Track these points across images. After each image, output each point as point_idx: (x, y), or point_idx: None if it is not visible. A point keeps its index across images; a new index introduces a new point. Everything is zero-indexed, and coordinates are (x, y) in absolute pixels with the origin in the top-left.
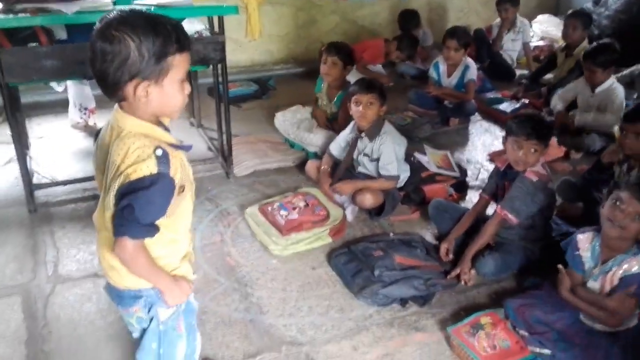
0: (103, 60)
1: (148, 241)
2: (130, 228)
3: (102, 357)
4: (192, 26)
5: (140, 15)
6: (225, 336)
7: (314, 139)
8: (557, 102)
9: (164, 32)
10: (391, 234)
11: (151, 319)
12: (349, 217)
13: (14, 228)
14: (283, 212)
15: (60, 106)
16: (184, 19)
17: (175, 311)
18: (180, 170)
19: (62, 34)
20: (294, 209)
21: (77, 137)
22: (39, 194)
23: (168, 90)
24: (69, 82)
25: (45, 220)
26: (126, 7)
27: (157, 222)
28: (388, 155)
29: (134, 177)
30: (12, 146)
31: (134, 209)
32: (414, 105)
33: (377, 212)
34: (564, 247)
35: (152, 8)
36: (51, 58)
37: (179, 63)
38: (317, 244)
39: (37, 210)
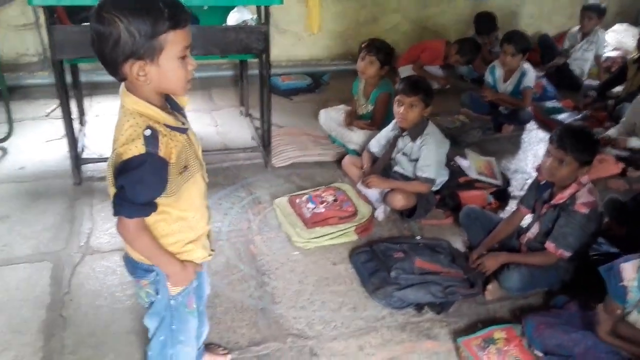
0: (99, 42)
1: (154, 219)
2: (125, 208)
3: (114, 327)
4: (241, 15)
5: None
6: (234, 321)
7: (354, 137)
8: (618, 130)
9: (154, 10)
10: (418, 237)
11: (158, 293)
12: (379, 216)
13: (57, 198)
14: (310, 205)
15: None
16: (229, 8)
17: (187, 288)
18: (180, 150)
19: None
20: (322, 203)
21: None
22: (87, 169)
23: (166, 67)
24: None
25: (87, 193)
26: None
27: (160, 201)
28: (428, 157)
29: (125, 157)
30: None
31: (126, 189)
32: (467, 109)
33: (408, 213)
34: (603, 274)
35: None
36: None
37: (174, 40)
38: (342, 240)
39: (81, 183)
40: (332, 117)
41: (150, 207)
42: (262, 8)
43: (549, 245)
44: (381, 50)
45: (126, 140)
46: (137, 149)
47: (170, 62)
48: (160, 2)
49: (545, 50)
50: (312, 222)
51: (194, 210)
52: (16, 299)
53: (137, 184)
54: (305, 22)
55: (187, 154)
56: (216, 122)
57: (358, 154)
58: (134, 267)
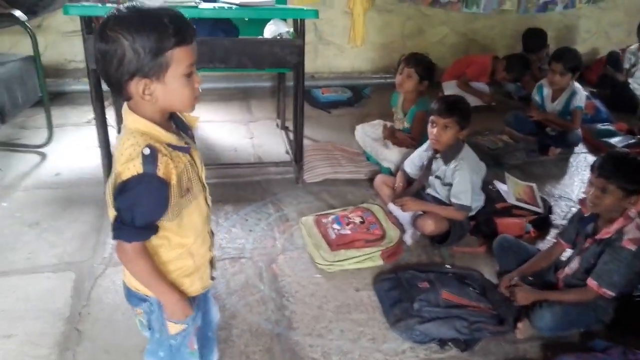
0: (103, 61)
1: (155, 244)
2: (123, 231)
3: (128, 343)
4: (278, 28)
5: (136, 12)
6: (248, 346)
7: (389, 155)
8: None
9: (159, 26)
10: (447, 266)
11: (150, 327)
12: (408, 240)
13: (88, 207)
14: (336, 226)
15: None
16: (268, 19)
17: (186, 329)
18: (182, 171)
19: None
20: (348, 224)
21: None
22: None
23: (172, 85)
24: None
25: None
26: (128, 4)
27: (160, 225)
28: (462, 183)
29: (123, 177)
30: (110, 129)
31: (123, 211)
32: (512, 129)
33: (440, 239)
34: None
35: (234, 7)
36: None
37: (180, 57)
38: (367, 264)
39: None
40: (368, 132)
41: (149, 230)
42: (299, 21)
43: (592, 283)
44: (421, 64)
45: (125, 160)
46: (135, 168)
47: (177, 79)
48: (165, 18)
49: (614, 68)
50: (336, 244)
51: (196, 235)
52: (36, 309)
53: (135, 206)
54: (349, 34)
55: (189, 175)
56: (252, 133)
57: (392, 173)
58: (129, 294)
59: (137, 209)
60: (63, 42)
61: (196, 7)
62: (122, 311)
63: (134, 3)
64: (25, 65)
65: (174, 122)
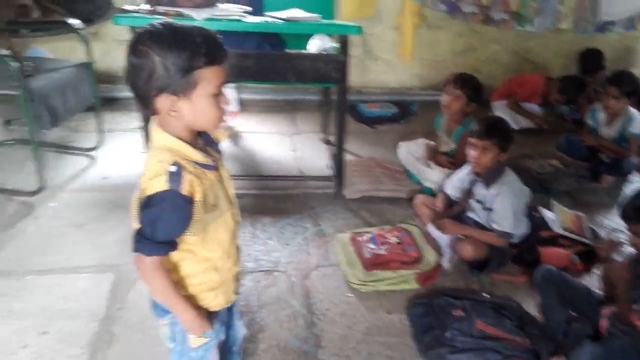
0: (133, 74)
1: (179, 257)
2: (143, 244)
3: (156, 350)
4: (322, 43)
5: (170, 29)
6: None
7: (432, 175)
8: None
9: (191, 45)
10: (485, 294)
11: (174, 339)
12: (445, 264)
13: None
14: (372, 246)
15: None
16: (312, 34)
17: (208, 343)
18: (208, 188)
19: None
20: (384, 244)
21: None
22: None
23: (198, 104)
24: None
25: None
26: (161, 20)
27: (186, 239)
28: (503, 209)
29: (148, 192)
30: None
31: (145, 225)
32: (563, 153)
33: (479, 265)
34: None
35: (279, 21)
36: None
37: (209, 76)
38: (401, 287)
39: None
40: (411, 150)
41: (169, 246)
42: (343, 37)
43: None
44: (468, 85)
45: (151, 176)
46: (160, 185)
47: (204, 99)
48: (198, 37)
49: None
50: (371, 264)
51: (221, 251)
52: (73, 308)
53: (157, 221)
54: (398, 50)
55: (216, 192)
56: (295, 146)
57: (434, 193)
58: (154, 305)
59: (159, 225)
60: (117, 50)
61: (241, 20)
62: (154, 318)
63: (171, 20)
64: (80, 71)
65: (201, 137)
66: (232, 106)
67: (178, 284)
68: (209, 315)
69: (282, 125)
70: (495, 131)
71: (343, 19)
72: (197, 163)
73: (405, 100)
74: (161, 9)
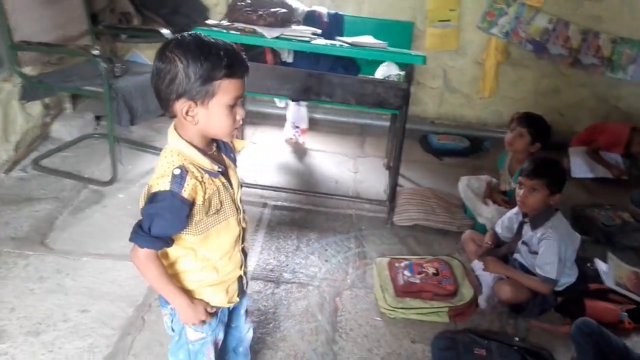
0: (157, 77)
1: (181, 253)
2: (139, 236)
3: None
4: (389, 69)
5: (197, 40)
6: None
7: (486, 211)
8: None
9: (213, 57)
10: (516, 338)
11: (173, 329)
12: (482, 304)
13: None
14: (407, 273)
15: (282, 120)
16: (382, 61)
17: (205, 338)
18: (212, 193)
19: (288, 57)
20: (420, 273)
21: (284, 151)
22: None
23: (214, 113)
24: (289, 101)
25: None
26: (192, 33)
27: (186, 238)
28: (548, 253)
29: (153, 190)
30: None
31: (144, 219)
32: (636, 208)
33: (517, 309)
34: None
35: (346, 45)
36: (264, 75)
37: (227, 88)
38: (432, 318)
39: None
40: (471, 185)
41: (162, 241)
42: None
43: None
44: (534, 124)
45: (158, 175)
46: (164, 185)
47: (219, 108)
48: (221, 50)
49: None
50: (402, 290)
51: (221, 253)
52: (115, 292)
53: (154, 217)
54: (479, 85)
55: (221, 197)
56: (357, 169)
57: (486, 230)
58: (159, 296)
59: (156, 221)
60: None
61: (309, 42)
62: None
63: (200, 33)
64: None
65: (218, 145)
66: (302, 123)
67: (177, 277)
68: (209, 309)
69: (348, 147)
70: (546, 171)
71: (427, 50)
72: (203, 169)
73: (479, 136)
74: (239, 25)
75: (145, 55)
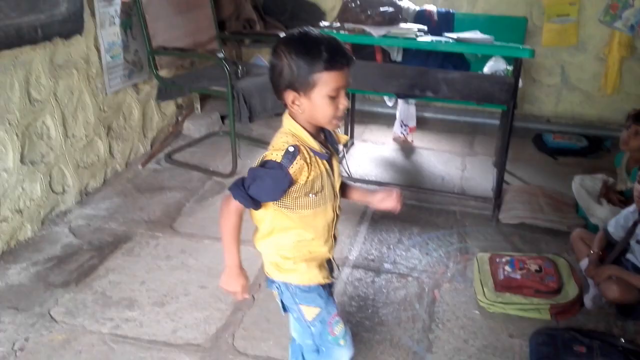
0: (271, 71)
1: (267, 216)
2: (237, 188)
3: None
4: (497, 64)
5: (302, 37)
6: (383, 354)
7: (599, 211)
8: None
9: (314, 52)
10: (622, 339)
11: (285, 309)
12: (587, 303)
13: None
14: (508, 268)
15: (392, 119)
16: (490, 55)
17: (321, 313)
18: (315, 176)
19: (397, 56)
20: (522, 269)
21: (392, 148)
22: None
23: (316, 102)
24: (399, 99)
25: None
26: (300, 29)
27: (283, 211)
28: None
29: (266, 158)
30: None
31: (248, 177)
32: None
33: (626, 310)
34: None
35: (451, 40)
36: (372, 73)
37: (327, 80)
38: (532, 314)
39: None
40: (585, 184)
41: (253, 202)
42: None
43: None
44: None
45: (274, 149)
46: (276, 156)
47: (321, 98)
48: (322, 45)
49: None
50: (501, 285)
51: (315, 234)
52: None
53: (257, 179)
54: (601, 82)
55: (323, 182)
56: (465, 166)
57: (598, 229)
58: (267, 279)
59: (257, 182)
60: None
61: (415, 39)
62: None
63: (307, 29)
64: None
65: (325, 134)
66: (411, 121)
67: (276, 247)
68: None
69: (457, 145)
70: None
71: (543, 47)
72: (312, 150)
73: (599, 135)
74: (349, 25)
75: (266, 58)
